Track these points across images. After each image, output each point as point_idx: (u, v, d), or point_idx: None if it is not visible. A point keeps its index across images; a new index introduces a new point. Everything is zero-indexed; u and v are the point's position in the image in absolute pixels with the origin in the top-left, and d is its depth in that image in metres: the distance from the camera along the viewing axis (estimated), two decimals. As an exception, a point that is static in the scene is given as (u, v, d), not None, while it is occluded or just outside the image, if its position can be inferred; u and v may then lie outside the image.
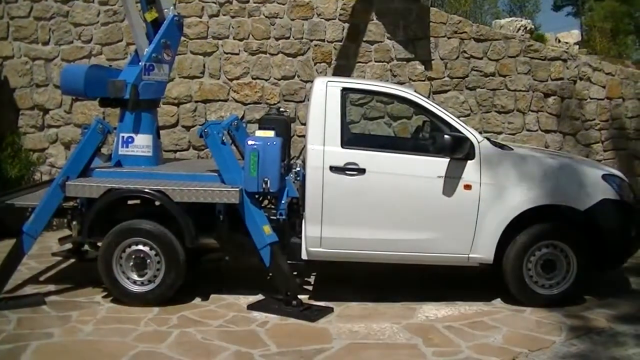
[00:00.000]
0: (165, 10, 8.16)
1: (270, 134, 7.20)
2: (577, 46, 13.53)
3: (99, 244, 7.33)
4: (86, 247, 7.99)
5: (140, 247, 7.13)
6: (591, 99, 11.65)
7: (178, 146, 11.29)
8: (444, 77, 11.43)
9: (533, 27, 13.08)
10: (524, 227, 7.19)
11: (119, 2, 10.69)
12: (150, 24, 8.18)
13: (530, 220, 7.18)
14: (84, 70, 7.88)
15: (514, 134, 11.51)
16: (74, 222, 7.41)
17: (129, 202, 7.64)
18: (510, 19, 13.66)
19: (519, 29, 12.30)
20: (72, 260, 8.36)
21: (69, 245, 8.09)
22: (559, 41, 13.87)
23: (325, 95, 7.29)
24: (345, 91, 7.43)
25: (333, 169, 7.06)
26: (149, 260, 7.12)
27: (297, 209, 7.51)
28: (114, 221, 7.22)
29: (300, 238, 7.30)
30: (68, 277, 8.20)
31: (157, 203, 7.19)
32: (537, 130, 11.57)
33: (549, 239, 7.25)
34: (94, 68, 8.17)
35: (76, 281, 7.93)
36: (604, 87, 11.65)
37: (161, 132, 8.72)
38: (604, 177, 7.42)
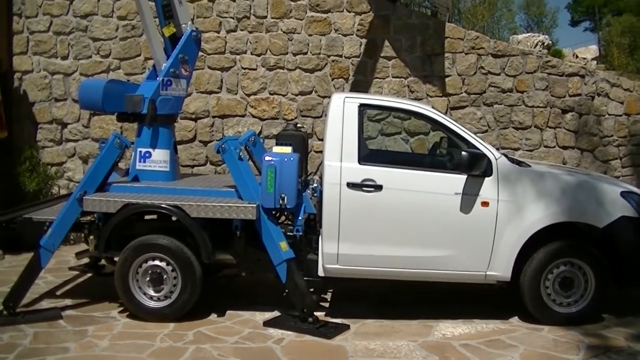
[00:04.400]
0: (183, 25, 8.19)
1: (288, 150, 7.21)
2: (595, 62, 13.50)
3: (116, 258, 7.35)
4: (103, 261, 8.03)
5: (157, 262, 7.13)
6: (609, 115, 11.59)
7: (195, 161, 11.31)
8: (461, 93, 11.40)
9: (550, 42, 13.06)
10: (541, 245, 7.15)
11: (138, 17, 10.75)
12: (168, 39, 8.21)
13: (548, 237, 7.13)
14: (102, 85, 7.89)
15: (531, 150, 11.46)
16: (91, 237, 7.43)
17: (146, 217, 7.66)
18: (528, 34, 13.65)
19: (537, 45, 12.29)
20: (89, 274, 8.38)
21: (85, 260, 8.11)
22: (577, 57, 13.85)
23: (342, 112, 7.29)
24: (362, 107, 7.43)
25: (350, 185, 7.06)
26: (165, 276, 7.13)
27: (314, 225, 7.50)
28: (130, 236, 7.23)
29: (317, 254, 7.30)
30: (85, 292, 8.23)
31: (174, 218, 7.21)
32: (554, 147, 11.52)
33: (566, 256, 7.21)
34: (112, 83, 8.20)
35: (93, 296, 7.95)
36: (622, 103, 11.58)
37: (178, 147, 8.75)
38: (623, 194, 7.37)
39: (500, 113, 11.42)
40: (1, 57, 10.91)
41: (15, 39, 11.32)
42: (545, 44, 12.46)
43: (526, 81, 11.43)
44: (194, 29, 8.24)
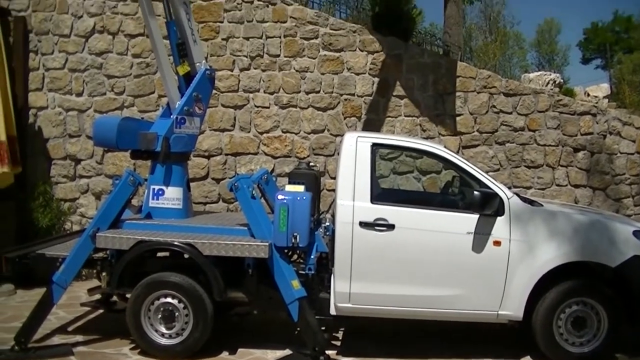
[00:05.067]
0: (197, 63, 8.27)
1: (300, 188, 7.23)
2: (607, 100, 13.50)
3: (128, 295, 7.36)
4: (115, 297, 8.04)
5: (169, 299, 7.14)
6: (621, 153, 11.59)
7: (208, 199, 11.35)
8: (473, 132, 11.43)
9: (562, 80, 13.08)
10: (553, 284, 7.13)
11: (152, 55, 10.85)
12: (183, 77, 8.27)
13: (560, 276, 7.12)
14: (117, 122, 7.93)
15: (543, 189, 11.46)
16: (104, 273, 7.44)
17: (159, 254, 7.68)
18: (539, 72, 13.66)
19: (548, 83, 12.31)
20: (101, 310, 8.41)
21: (97, 296, 8.14)
22: (588, 95, 13.86)
23: (355, 151, 7.33)
24: (375, 147, 7.46)
25: (362, 224, 7.07)
26: (177, 313, 7.13)
27: (326, 263, 7.50)
28: (143, 273, 7.25)
29: (329, 293, 7.29)
30: (96, 328, 8.22)
31: (186, 256, 7.22)
32: (566, 185, 11.52)
33: (579, 295, 7.19)
34: (126, 120, 8.23)
35: (104, 332, 7.94)
36: (633, 141, 11.59)
37: (191, 184, 8.76)
38: (635, 233, 7.35)
39: (512, 152, 11.44)
40: (17, 93, 11.00)
41: (31, 75, 11.44)
42: (557, 82, 12.48)
43: (538, 120, 11.46)
44: (208, 67, 8.32)
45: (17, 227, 10.82)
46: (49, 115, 11.43)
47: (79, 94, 11.45)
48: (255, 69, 11.44)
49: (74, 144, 11.43)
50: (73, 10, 11.46)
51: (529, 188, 11.41)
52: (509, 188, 8.01)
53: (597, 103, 12.43)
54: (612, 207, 11.42)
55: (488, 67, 14.32)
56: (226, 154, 11.40)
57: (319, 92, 11.41)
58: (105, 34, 11.48)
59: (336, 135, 11.29)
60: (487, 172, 8.09)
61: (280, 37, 11.46)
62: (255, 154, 11.41)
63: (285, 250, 7.23)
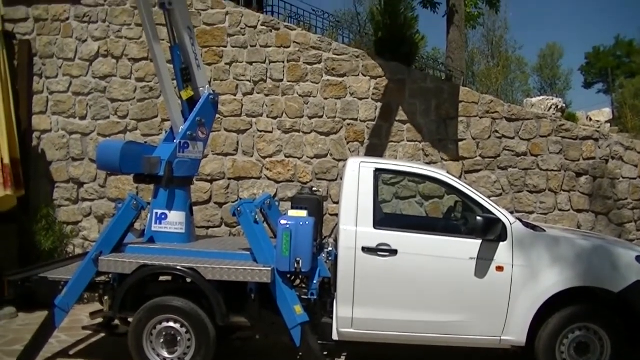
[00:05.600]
0: (201, 88, 8.28)
1: (303, 213, 7.23)
2: (609, 124, 13.52)
3: (130, 319, 7.35)
4: (117, 321, 8.03)
5: (171, 324, 7.13)
6: (623, 178, 11.59)
7: (210, 223, 11.35)
8: (475, 157, 11.44)
9: (564, 105, 13.09)
10: (556, 309, 7.11)
11: (155, 79, 10.90)
12: (186, 102, 8.29)
13: (563, 302, 7.10)
14: (120, 146, 7.94)
15: (545, 214, 11.45)
16: (106, 297, 7.45)
17: (161, 278, 7.68)
18: (542, 97, 13.68)
19: (550, 108, 12.33)
20: (103, 334, 8.39)
21: (99, 320, 8.12)
22: (590, 119, 13.88)
23: (358, 176, 7.34)
24: (378, 172, 7.47)
25: (365, 249, 7.07)
26: (179, 338, 7.11)
27: (328, 288, 7.49)
28: (145, 297, 7.24)
29: (332, 318, 7.27)
30: (98, 352, 8.23)
31: (188, 280, 7.22)
32: (569, 210, 11.51)
33: (582, 321, 7.16)
34: (129, 144, 8.24)
35: (106, 356, 7.96)
36: (636, 166, 11.59)
37: (194, 208, 8.77)
38: (638, 258, 7.33)
39: (515, 177, 11.44)
40: (21, 116, 11.05)
41: (35, 98, 11.51)
42: (559, 107, 12.50)
43: (540, 145, 11.47)
44: (212, 92, 8.34)
45: (20, 250, 10.83)
46: (53, 138, 11.48)
47: (83, 118, 11.50)
48: (258, 93, 11.47)
49: (77, 167, 11.46)
50: (77, 34, 11.54)
51: (531, 213, 11.40)
52: (512, 213, 8.02)
53: (599, 128, 12.45)
54: (614, 232, 11.41)
55: (490, 92, 14.33)
56: (229, 178, 11.42)
57: (322, 116, 11.44)
58: (110, 58, 11.55)
59: (339, 160, 11.31)
60: (489, 197, 8.08)
61: (283, 62, 11.51)
62: (258, 178, 11.42)
63: (288, 275, 7.23)
